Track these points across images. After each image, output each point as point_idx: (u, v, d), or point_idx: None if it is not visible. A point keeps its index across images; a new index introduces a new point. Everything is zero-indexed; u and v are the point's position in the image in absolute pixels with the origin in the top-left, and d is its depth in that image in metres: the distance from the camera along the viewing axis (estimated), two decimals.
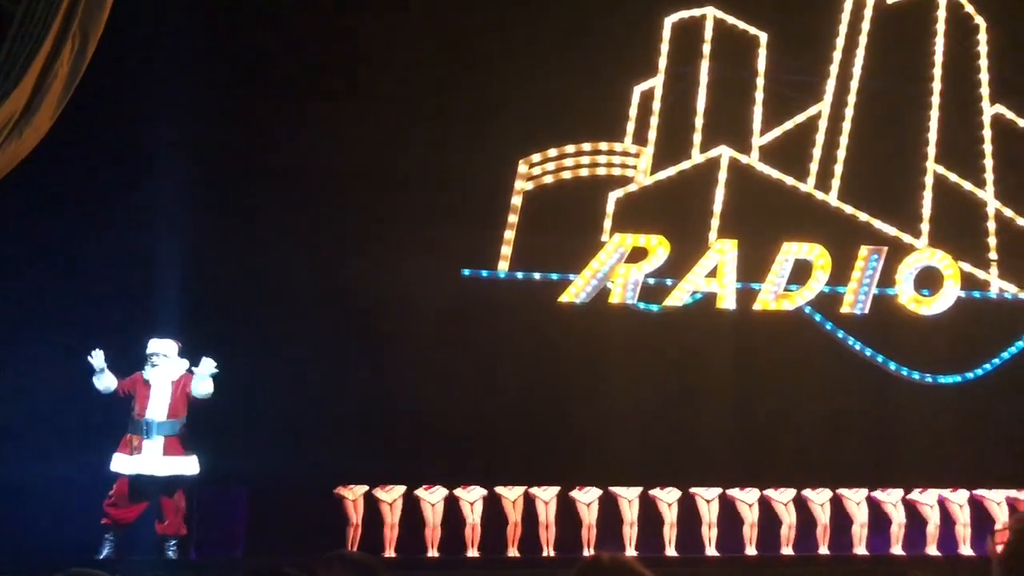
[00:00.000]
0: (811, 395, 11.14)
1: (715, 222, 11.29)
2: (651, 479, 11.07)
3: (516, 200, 10.99)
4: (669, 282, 11.07)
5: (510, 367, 10.79)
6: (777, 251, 11.20)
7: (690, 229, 11.21)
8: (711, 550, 10.45)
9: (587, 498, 10.49)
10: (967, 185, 11.99)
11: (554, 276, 10.97)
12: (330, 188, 10.53)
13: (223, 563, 9.63)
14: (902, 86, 12.12)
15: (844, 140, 11.78)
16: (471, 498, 10.32)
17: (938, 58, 12.12)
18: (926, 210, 11.75)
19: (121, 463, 9.00)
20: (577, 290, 10.91)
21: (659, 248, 11.00)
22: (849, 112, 11.86)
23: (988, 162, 12.05)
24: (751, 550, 10.48)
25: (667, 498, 10.54)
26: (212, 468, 9.53)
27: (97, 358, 9.00)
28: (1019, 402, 11.40)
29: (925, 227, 11.70)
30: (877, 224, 11.63)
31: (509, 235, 10.91)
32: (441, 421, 10.57)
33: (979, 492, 10.85)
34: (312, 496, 10.33)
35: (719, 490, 10.59)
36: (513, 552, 10.22)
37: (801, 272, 11.26)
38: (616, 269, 10.94)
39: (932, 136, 11.97)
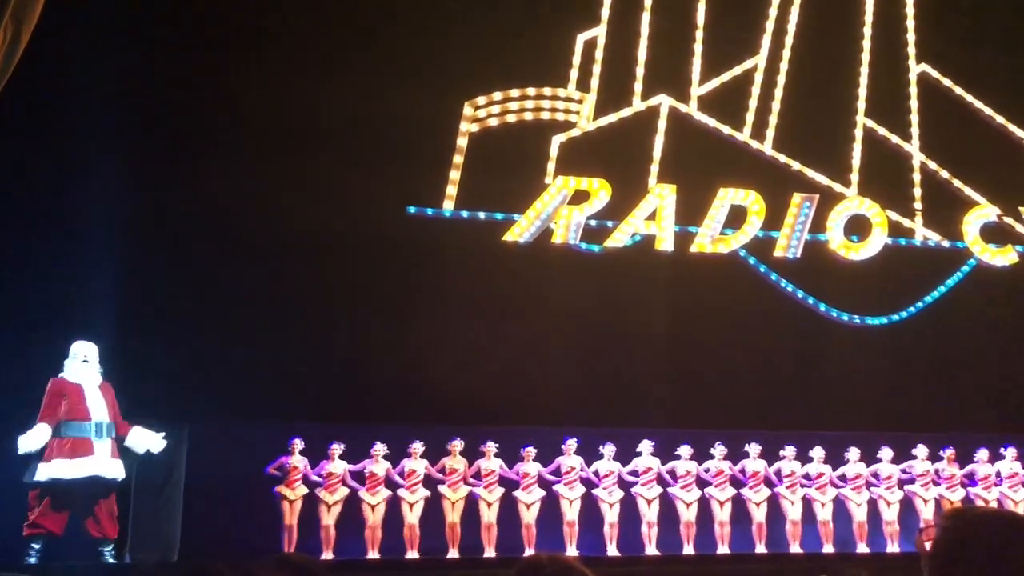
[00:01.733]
0: (744, 336, 11.51)
1: (655, 168, 11.62)
2: (588, 417, 11.39)
3: (461, 141, 11.19)
4: (610, 224, 11.36)
5: (454, 304, 10.95)
6: (714, 196, 11.57)
7: (631, 174, 11.52)
8: (651, 549, 10.66)
9: (529, 498, 10.60)
10: (894, 139, 12.50)
11: (498, 216, 11.19)
12: (277, 130, 10.60)
13: (159, 565, 9.67)
14: (834, 43, 12.59)
15: (779, 93, 12.22)
16: (412, 499, 10.35)
17: (868, 18, 12.63)
18: (856, 161, 12.24)
19: (65, 468, 8.56)
20: (521, 230, 11.14)
21: (601, 191, 11.29)
22: (784, 66, 12.30)
23: (914, 117, 12.58)
24: (688, 549, 10.71)
25: (608, 498, 10.69)
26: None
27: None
28: (940, 344, 11.93)
29: (855, 177, 12.18)
30: (809, 173, 12.08)
31: (454, 175, 11.10)
32: (387, 358, 10.71)
33: (910, 488, 11.30)
34: (250, 496, 10.31)
35: (660, 489, 10.80)
36: (454, 553, 10.31)
37: (736, 217, 11.65)
38: (559, 210, 11.21)
39: (862, 91, 12.48)
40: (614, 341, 11.39)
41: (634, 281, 11.38)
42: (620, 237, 11.34)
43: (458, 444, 10.68)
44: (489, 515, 10.58)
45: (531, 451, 10.89)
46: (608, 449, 10.95)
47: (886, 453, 11.38)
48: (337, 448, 10.42)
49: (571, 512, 10.66)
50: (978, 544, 2.15)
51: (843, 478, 11.28)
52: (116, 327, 9.73)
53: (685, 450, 11.09)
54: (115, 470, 8.84)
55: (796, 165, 12.08)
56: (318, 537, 10.19)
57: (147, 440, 9.15)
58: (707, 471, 11.06)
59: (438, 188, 11.05)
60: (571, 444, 10.88)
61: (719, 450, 11.15)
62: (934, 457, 11.46)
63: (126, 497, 9.63)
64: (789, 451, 11.20)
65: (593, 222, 11.33)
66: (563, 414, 11.42)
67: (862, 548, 11.03)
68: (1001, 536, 2.16)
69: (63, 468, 8.50)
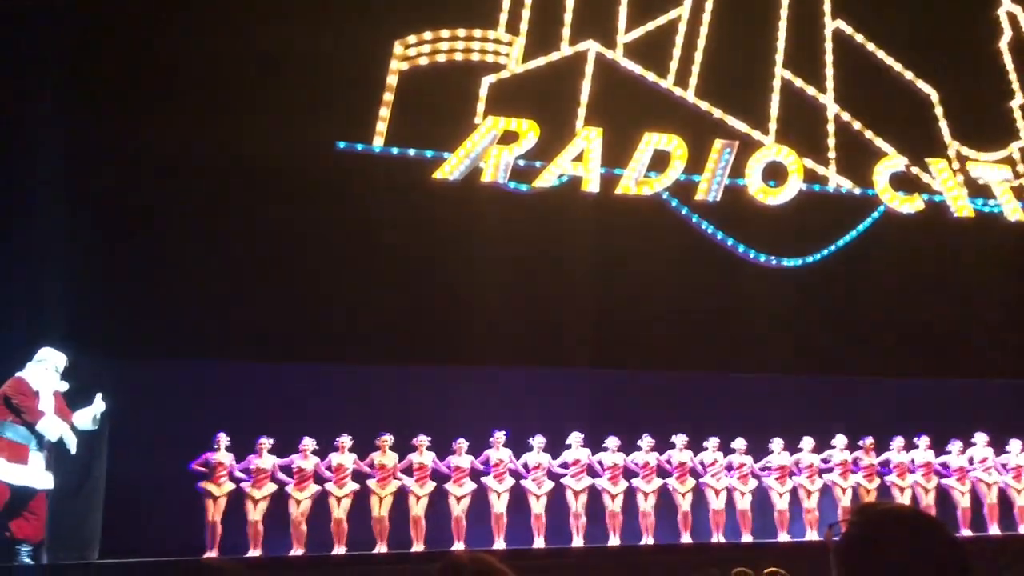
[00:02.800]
0: (665, 276, 11.86)
1: (582, 111, 11.89)
2: (512, 355, 11.62)
3: (392, 79, 11.28)
4: (538, 164, 11.59)
5: (383, 240, 11.04)
6: (639, 141, 11.89)
7: (558, 116, 11.77)
8: (578, 540, 10.89)
9: (460, 492, 10.73)
10: (811, 91, 12.99)
11: (428, 153, 11.33)
12: (213, 67, 10.56)
13: (79, 567, 9.65)
14: None
15: (702, 43, 12.59)
16: (340, 494, 10.38)
17: None
18: (774, 111, 12.69)
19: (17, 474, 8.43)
20: (451, 168, 11.29)
21: (529, 132, 11.51)
22: (707, 18, 12.68)
23: (829, 71, 13.09)
24: (615, 540, 10.98)
25: (537, 491, 10.88)
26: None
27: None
28: (850, 286, 12.48)
29: (773, 126, 12.63)
30: (730, 121, 12.49)
31: (384, 112, 11.19)
32: (315, 294, 10.77)
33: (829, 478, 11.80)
34: (173, 493, 10.31)
35: (590, 480, 11.06)
36: (382, 548, 10.38)
37: (660, 161, 11.99)
38: (488, 150, 11.39)
39: (780, 45, 12.93)
40: (540, 279, 11.60)
41: (561, 221, 11.64)
42: (548, 177, 11.58)
43: (388, 439, 10.73)
44: (417, 509, 10.60)
45: (463, 443, 10.99)
46: (537, 441, 11.13)
47: (807, 443, 11.90)
48: (265, 443, 10.39)
49: (499, 505, 10.74)
50: (885, 541, 2.16)
51: (766, 469, 11.76)
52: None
53: (612, 442, 11.35)
54: (46, 482, 8.73)
55: (717, 113, 12.48)
56: (243, 533, 10.16)
57: (90, 413, 9.03)
58: (635, 463, 11.34)
59: (368, 125, 11.13)
60: (500, 437, 11.03)
61: (646, 441, 11.44)
62: (852, 447, 12.02)
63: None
64: (712, 442, 11.60)
65: (521, 162, 11.55)
66: (489, 351, 11.63)
67: (783, 537, 11.48)
68: (908, 533, 2.17)
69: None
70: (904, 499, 11.78)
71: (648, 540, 11.13)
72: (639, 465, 11.38)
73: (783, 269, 12.24)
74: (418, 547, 10.50)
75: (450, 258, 11.28)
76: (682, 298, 11.94)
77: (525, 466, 11.03)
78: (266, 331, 10.62)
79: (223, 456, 10.24)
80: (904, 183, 12.90)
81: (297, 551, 10.23)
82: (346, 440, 10.61)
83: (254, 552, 10.13)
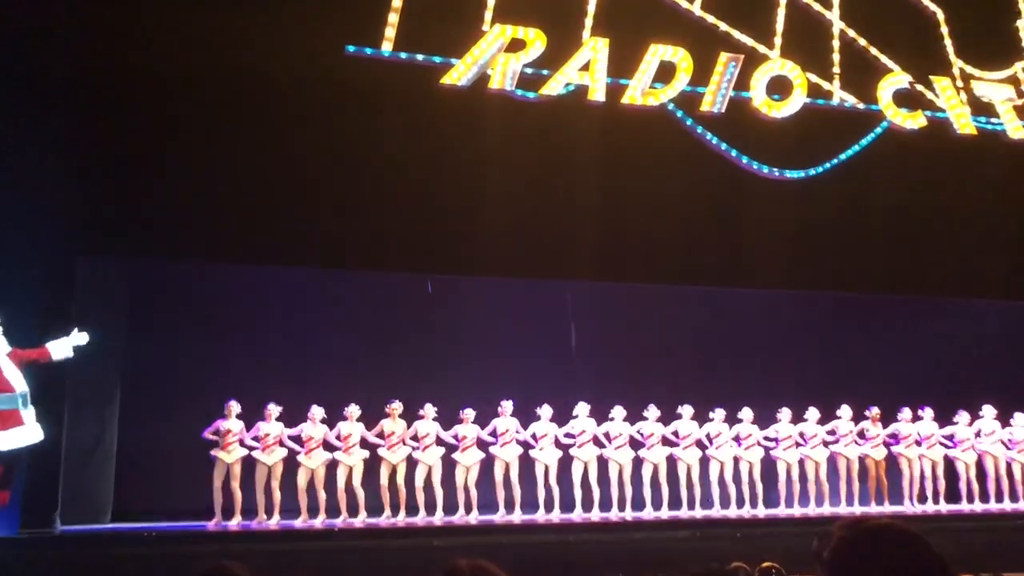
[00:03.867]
0: (669, 187, 12.00)
1: (589, 21, 11.94)
2: (515, 265, 11.85)
3: None
4: (545, 72, 11.68)
5: (390, 146, 11.16)
6: (645, 52, 11.97)
7: (565, 26, 11.82)
8: (585, 512, 11.32)
9: (467, 460, 11.08)
10: (816, 6, 13.02)
11: (436, 59, 11.42)
12: None
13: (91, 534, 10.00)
14: None
15: None
16: (349, 462, 10.77)
17: None
18: (779, 25, 12.73)
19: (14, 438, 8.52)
20: (459, 74, 11.39)
21: (537, 41, 11.59)
22: None
23: None
24: (622, 512, 11.42)
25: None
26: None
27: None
28: (852, 201, 12.62)
29: (778, 40, 12.68)
30: (736, 34, 12.54)
31: (393, 17, 11.26)
32: (319, 199, 10.91)
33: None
34: (184, 459, 10.69)
35: (560, 453, 11.42)
36: (390, 516, 10.86)
37: (666, 72, 12.08)
38: (496, 57, 11.48)
39: None
40: (546, 188, 11.73)
41: (567, 130, 11.74)
42: (555, 86, 11.68)
43: (397, 407, 11.11)
44: (421, 478, 10.93)
45: (470, 413, 11.32)
46: (545, 411, 11.46)
47: (812, 413, 12.31)
48: (273, 410, 10.73)
49: (507, 474, 11.05)
50: (874, 557, 2.19)
51: (772, 439, 12.21)
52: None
53: (618, 411, 11.75)
54: (39, 434, 8.86)
55: (723, 26, 12.53)
56: (253, 500, 10.57)
57: (69, 343, 9.12)
58: (640, 433, 11.74)
59: (377, 30, 11.20)
60: (506, 406, 11.38)
61: (652, 412, 11.86)
62: (858, 417, 12.40)
63: (56, 462, 9.78)
64: (719, 413, 12.08)
65: (529, 70, 11.64)
66: (492, 260, 11.84)
67: (791, 510, 11.98)
68: (896, 549, 2.20)
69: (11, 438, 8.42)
70: (914, 471, 12.40)
71: (659, 513, 11.54)
72: (645, 436, 11.80)
73: (786, 181, 12.36)
74: (426, 517, 10.90)
75: (457, 165, 11.41)
76: (685, 211, 12.08)
77: (533, 436, 11.42)
78: (271, 236, 10.81)
79: (233, 423, 10.62)
80: (908, 100, 12.98)
81: (305, 520, 10.62)
82: (354, 409, 10.99)
83: (263, 518, 10.51)
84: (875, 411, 12.45)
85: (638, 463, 11.79)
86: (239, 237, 10.86)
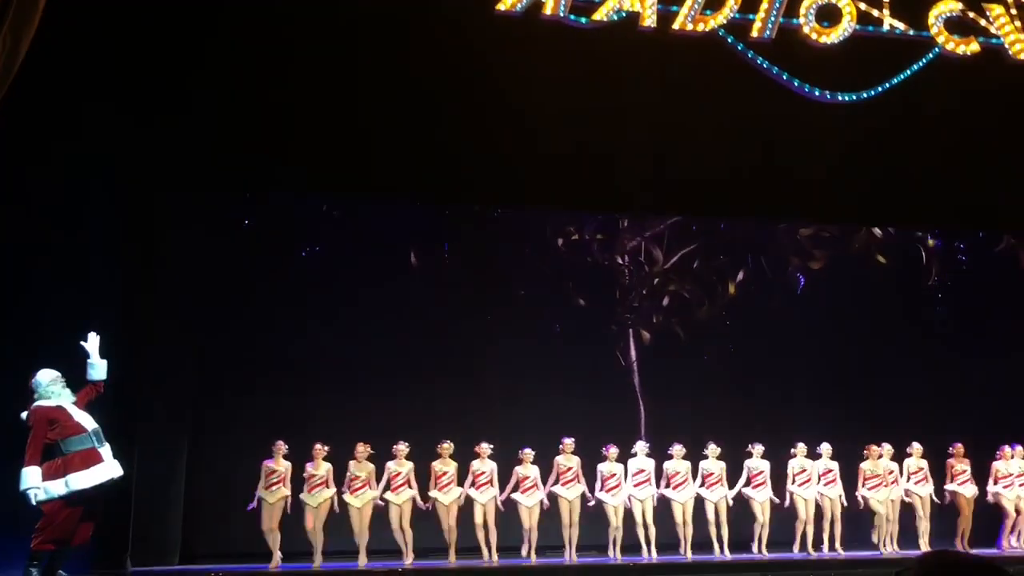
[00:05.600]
0: (717, 111, 12.20)
1: None
2: (567, 195, 12.19)
3: None
4: (596, 0, 12.01)
5: (443, 75, 11.51)
6: None
7: None
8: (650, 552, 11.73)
9: (529, 501, 11.48)
10: None
11: None
12: None
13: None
14: None
15: None
16: (397, 501, 11.17)
17: None
18: None
19: (84, 479, 8.60)
20: (513, 0, 11.79)
21: None
22: None
23: None
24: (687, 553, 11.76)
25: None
26: None
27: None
28: (904, 128, 12.68)
29: None
30: None
31: None
32: (363, 126, 11.32)
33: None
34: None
35: (655, 490, 11.92)
36: (451, 557, 11.40)
37: (715, 0, 12.33)
38: None
39: None
40: (597, 117, 11.98)
41: (618, 55, 12.03)
42: (606, 11, 11.99)
43: (448, 447, 11.54)
44: (481, 517, 11.29)
45: (529, 453, 11.66)
46: (612, 452, 11.87)
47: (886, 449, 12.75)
48: (321, 449, 11.11)
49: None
50: None
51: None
52: None
53: (678, 450, 12.08)
54: (119, 469, 9.03)
55: None
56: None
57: (96, 358, 9.26)
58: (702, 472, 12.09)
59: None
60: (569, 444, 11.76)
61: (712, 449, 12.19)
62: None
63: (126, 503, 10.28)
64: (801, 448, 12.44)
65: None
66: (545, 191, 12.19)
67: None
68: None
69: (83, 479, 8.56)
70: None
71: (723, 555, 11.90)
72: (706, 475, 12.09)
73: (837, 105, 12.49)
74: (487, 557, 11.27)
75: (509, 93, 11.66)
76: (735, 138, 12.25)
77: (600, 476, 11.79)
78: (317, 162, 11.33)
79: (280, 464, 11.04)
80: (960, 27, 13.02)
81: (362, 561, 11.02)
82: (402, 447, 11.32)
83: (313, 563, 10.91)
84: (959, 447, 12.92)
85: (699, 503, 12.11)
86: (303, 162, 11.39)
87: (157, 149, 10.78)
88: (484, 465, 11.51)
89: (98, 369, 9.23)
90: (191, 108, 10.83)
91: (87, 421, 8.85)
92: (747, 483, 12.15)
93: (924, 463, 12.80)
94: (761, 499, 12.10)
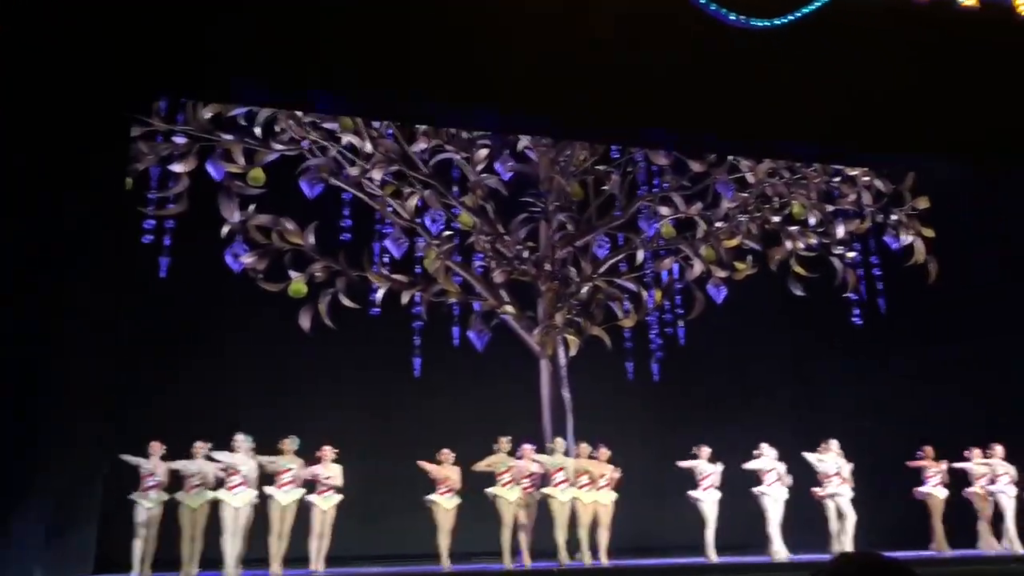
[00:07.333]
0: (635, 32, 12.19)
1: None
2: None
3: None
4: None
5: None
6: None
7: None
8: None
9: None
10: None
11: None
12: None
13: None
14: None
15: None
16: (449, 505, 11.50)
17: None
18: None
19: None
20: None
21: None
22: None
23: None
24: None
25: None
26: None
27: None
28: (819, 52, 12.86)
29: None
30: None
31: None
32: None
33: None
34: None
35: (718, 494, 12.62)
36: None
37: None
38: None
39: None
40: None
41: None
42: None
43: (448, 455, 11.88)
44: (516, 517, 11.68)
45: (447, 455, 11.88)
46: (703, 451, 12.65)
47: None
48: (329, 452, 11.49)
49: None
50: None
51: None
52: None
53: (705, 451, 12.72)
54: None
55: None
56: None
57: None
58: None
59: None
60: (604, 452, 12.40)
61: (768, 450, 12.81)
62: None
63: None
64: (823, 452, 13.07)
65: None
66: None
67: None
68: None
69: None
70: None
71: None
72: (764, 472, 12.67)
73: (751, 30, 12.58)
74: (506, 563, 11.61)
75: None
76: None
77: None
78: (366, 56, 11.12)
79: (291, 460, 11.24)
80: None
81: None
82: (448, 454, 11.72)
83: (317, 568, 11.09)
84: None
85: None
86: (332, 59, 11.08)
87: None
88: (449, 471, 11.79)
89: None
90: None
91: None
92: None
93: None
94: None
